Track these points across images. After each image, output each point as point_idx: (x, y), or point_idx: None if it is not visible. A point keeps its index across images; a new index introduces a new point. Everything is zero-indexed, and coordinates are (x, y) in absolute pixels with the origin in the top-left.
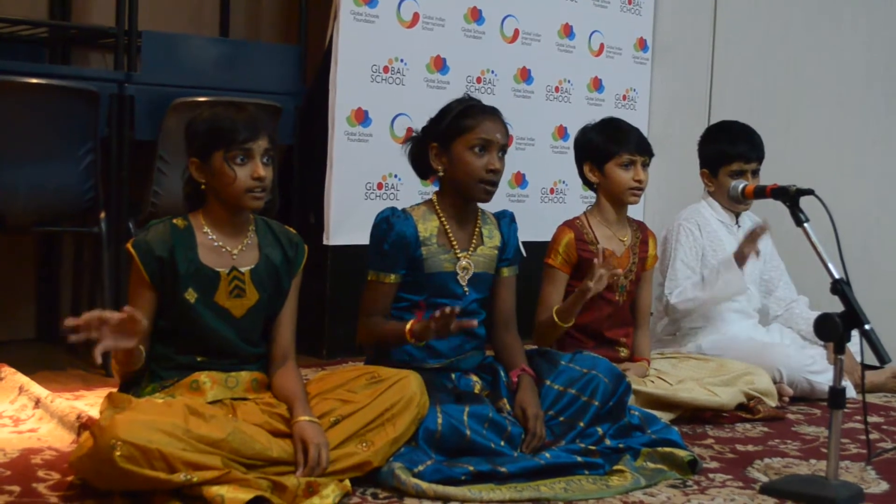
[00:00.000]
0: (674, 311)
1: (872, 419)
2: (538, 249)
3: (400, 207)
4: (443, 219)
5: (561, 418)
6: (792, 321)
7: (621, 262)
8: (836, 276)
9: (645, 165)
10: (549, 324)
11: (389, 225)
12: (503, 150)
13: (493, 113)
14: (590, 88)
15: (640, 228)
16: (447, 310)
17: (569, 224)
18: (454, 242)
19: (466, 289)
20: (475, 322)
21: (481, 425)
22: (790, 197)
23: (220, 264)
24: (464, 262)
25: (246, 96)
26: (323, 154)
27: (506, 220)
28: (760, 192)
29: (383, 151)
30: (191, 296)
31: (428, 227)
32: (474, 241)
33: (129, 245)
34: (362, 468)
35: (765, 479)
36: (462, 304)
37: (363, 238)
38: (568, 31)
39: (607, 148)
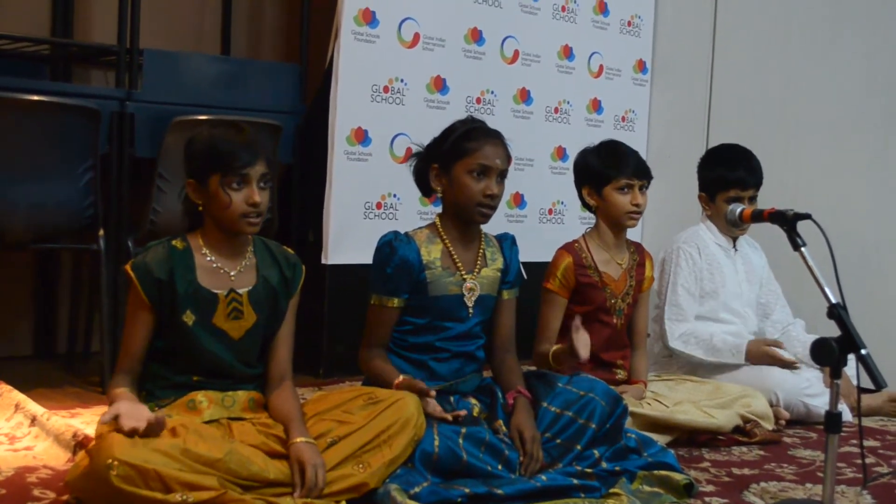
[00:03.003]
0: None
1: (868, 443)
2: (536, 270)
3: (402, 231)
4: (447, 242)
5: (558, 440)
6: (788, 344)
7: (618, 286)
8: (833, 300)
9: (643, 189)
10: (546, 361)
11: (392, 249)
12: (503, 175)
13: (496, 137)
14: (589, 109)
15: (637, 251)
16: (444, 416)
17: (567, 248)
18: (459, 264)
19: (472, 310)
20: (449, 418)
21: (478, 448)
22: (787, 221)
23: (218, 286)
24: (469, 284)
25: (246, 115)
26: (322, 173)
27: (507, 243)
28: (758, 216)
29: (383, 171)
30: (189, 318)
31: (432, 250)
32: (479, 262)
33: (127, 267)
34: (359, 490)
35: (761, 503)
36: (465, 328)
37: (362, 257)
38: (567, 53)
39: (605, 172)
